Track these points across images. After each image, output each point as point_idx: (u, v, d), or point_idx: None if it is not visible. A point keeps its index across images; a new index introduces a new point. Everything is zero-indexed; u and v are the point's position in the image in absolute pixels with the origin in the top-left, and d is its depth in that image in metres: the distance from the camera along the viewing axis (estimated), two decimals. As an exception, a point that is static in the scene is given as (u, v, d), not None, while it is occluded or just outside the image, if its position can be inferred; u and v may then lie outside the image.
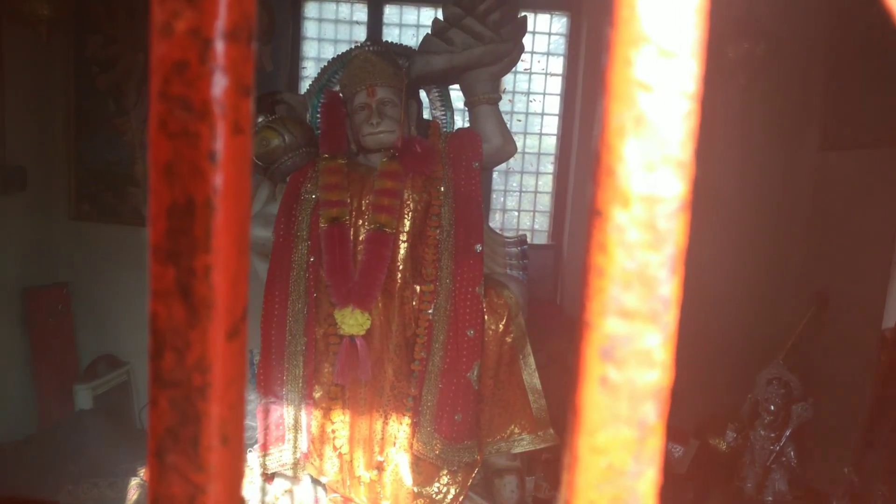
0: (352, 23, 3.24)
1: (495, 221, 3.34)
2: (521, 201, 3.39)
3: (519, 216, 3.40)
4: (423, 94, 2.22)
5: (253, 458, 2.17)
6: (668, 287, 0.17)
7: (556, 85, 3.27)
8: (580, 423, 0.18)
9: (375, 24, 3.17)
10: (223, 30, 0.17)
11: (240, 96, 0.18)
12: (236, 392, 0.20)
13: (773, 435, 2.57)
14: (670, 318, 0.17)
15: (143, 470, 2.41)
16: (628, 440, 0.18)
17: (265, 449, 1.99)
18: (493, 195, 3.34)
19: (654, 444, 0.18)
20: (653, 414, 0.18)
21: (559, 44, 3.27)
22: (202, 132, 0.18)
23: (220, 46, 0.17)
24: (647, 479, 0.18)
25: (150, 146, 0.18)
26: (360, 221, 1.99)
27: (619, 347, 0.17)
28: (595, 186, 0.17)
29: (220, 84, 0.17)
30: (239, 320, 0.19)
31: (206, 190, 0.18)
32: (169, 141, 0.18)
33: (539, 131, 3.32)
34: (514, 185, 3.37)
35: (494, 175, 3.27)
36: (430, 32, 2.03)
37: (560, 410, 2.15)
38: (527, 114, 3.29)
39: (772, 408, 2.57)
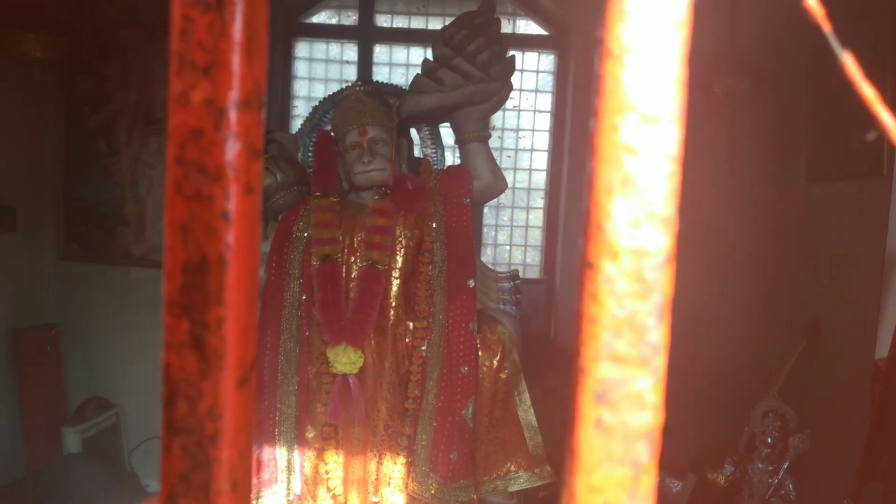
0: (342, 62, 3.30)
1: (487, 256, 3.36)
2: (512, 236, 3.42)
3: (511, 250, 3.42)
4: (413, 132, 2.25)
5: (245, 499, 2.14)
6: (657, 333, 0.18)
7: (544, 121, 3.32)
8: (577, 463, 0.19)
9: (365, 63, 3.23)
10: (237, 100, 0.18)
11: (251, 159, 0.19)
12: (245, 438, 0.20)
13: (770, 468, 2.56)
14: (660, 362, 0.19)
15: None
16: (623, 479, 0.19)
17: (258, 491, 1.96)
18: (485, 230, 3.36)
19: (648, 483, 0.19)
20: (646, 453, 0.19)
21: (547, 81, 3.34)
22: (216, 194, 0.19)
23: (233, 115, 0.18)
24: (642, 518, 0.19)
25: (166, 207, 0.19)
26: (353, 259, 2.00)
27: (613, 391, 0.18)
28: (586, 241, 0.18)
29: (233, 149, 0.19)
30: (248, 369, 0.20)
31: (220, 247, 0.19)
32: (184, 202, 0.19)
33: (529, 167, 3.36)
34: (505, 219, 3.40)
35: (486, 210, 3.30)
36: (420, 72, 2.06)
37: (556, 447, 2.14)
38: (516, 150, 3.34)
39: (769, 440, 2.56)
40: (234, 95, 0.18)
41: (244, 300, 0.20)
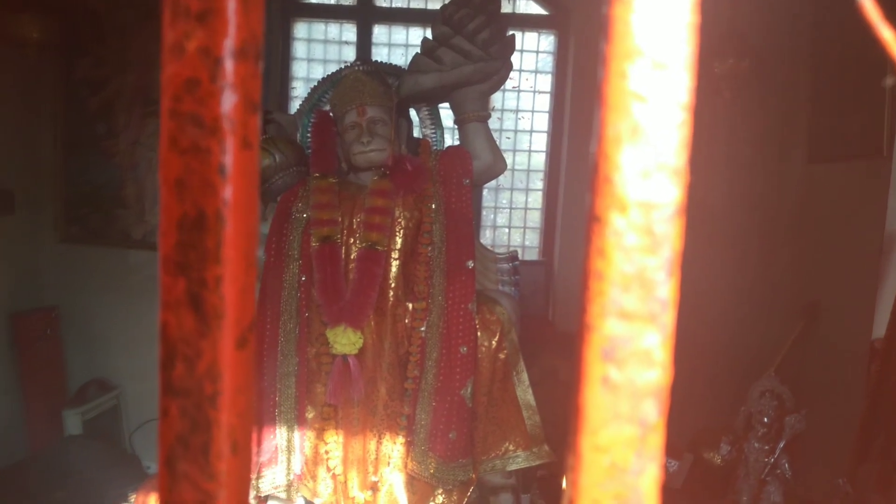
0: (341, 43, 3.27)
1: (486, 238, 3.36)
2: (511, 218, 3.41)
3: (509, 233, 3.41)
4: (413, 112, 2.24)
5: (246, 480, 2.15)
6: (666, 288, 0.18)
7: (544, 102, 3.30)
8: (583, 422, 0.19)
9: (364, 43, 3.20)
10: (232, 48, 0.18)
11: (248, 112, 0.19)
12: (245, 401, 0.20)
13: (767, 447, 2.58)
14: (668, 318, 0.18)
15: (134, 495, 2.38)
16: (630, 438, 0.18)
17: (258, 471, 1.97)
18: (484, 212, 3.35)
19: (656, 442, 0.19)
20: (653, 412, 0.18)
21: (547, 62, 3.31)
22: (212, 147, 0.18)
23: (229, 65, 0.18)
24: (649, 476, 0.19)
25: (161, 162, 0.19)
26: (352, 240, 1.99)
27: (620, 348, 0.18)
28: (593, 194, 0.18)
29: (229, 101, 0.18)
30: (247, 330, 0.20)
31: (217, 203, 0.19)
32: (180, 157, 0.18)
33: (528, 148, 3.35)
34: (504, 201, 3.39)
35: (484, 192, 3.29)
36: (419, 52, 2.05)
37: (554, 427, 2.15)
38: (515, 131, 3.32)
39: (765, 420, 2.58)
40: (229, 44, 0.18)
41: (243, 258, 0.19)
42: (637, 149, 0.17)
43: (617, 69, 0.17)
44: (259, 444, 1.96)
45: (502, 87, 2.20)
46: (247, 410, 0.20)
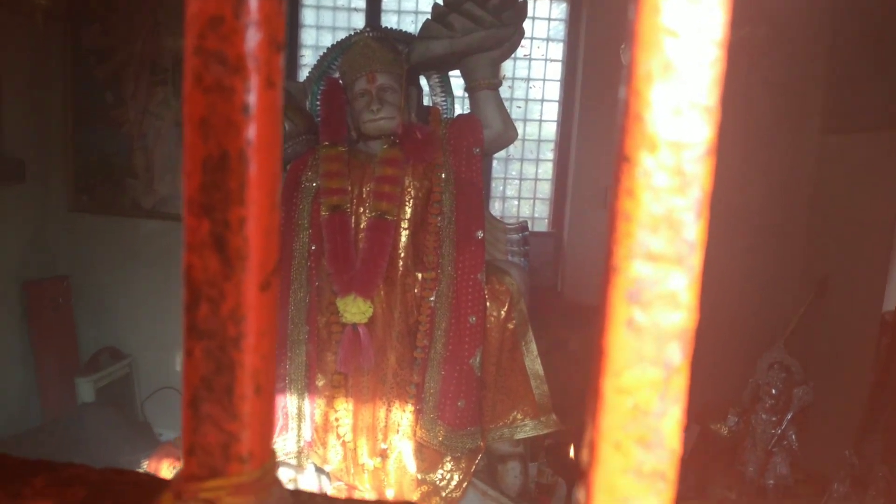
0: (350, 10, 3.23)
1: (495, 210, 3.35)
2: (520, 189, 3.39)
3: (519, 204, 3.40)
4: (423, 80, 2.22)
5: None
6: (694, 230, 0.18)
7: (555, 71, 3.26)
8: (606, 364, 0.19)
9: (374, 10, 3.16)
10: (256, -17, 0.17)
11: (272, 51, 0.18)
12: (269, 343, 0.20)
13: (774, 419, 2.59)
14: (696, 260, 0.18)
15: (147, 462, 2.42)
16: (654, 380, 0.18)
17: (269, 437, 2.00)
18: (493, 183, 3.34)
19: (680, 384, 0.19)
20: (678, 354, 0.18)
21: (559, 29, 3.27)
22: (236, 86, 0.18)
23: (253, 2, 0.18)
24: (671, 418, 0.19)
25: (185, 101, 0.18)
26: (361, 209, 1.99)
27: (646, 290, 0.18)
28: (623, 133, 0.18)
29: (254, 38, 0.18)
30: (271, 273, 0.20)
31: (240, 143, 0.18)
32: (204, 95, 0.18)
33: (539, 118, 3.32)
34: (514, 172, 3.37)
35: (494, 163, 3.27)
36: (429, 18, 2.02)
37: (562, 397, 2.16)
38: (526, 100, 3.29)
39: (773, 392, 2.59)
40: (253, -21, 0.17)
41: (266, 200, 0.19)
42: (669, 86, 0.17)
43: (651, 4, 0.16)
44: (270, 410, 1.99)
45: (513, 55, 2.17)
46: (270, 353, 0.20)
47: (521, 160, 3.35)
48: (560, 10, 3.26)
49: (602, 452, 0.19)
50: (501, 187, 3.40)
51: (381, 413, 1.99)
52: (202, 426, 0.20)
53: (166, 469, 2.19)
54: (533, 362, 2.07)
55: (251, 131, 0.18)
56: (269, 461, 0.21)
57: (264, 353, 0.20)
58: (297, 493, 0.21)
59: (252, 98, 0.18)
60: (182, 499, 0.20)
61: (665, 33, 0.16)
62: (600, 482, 0.19)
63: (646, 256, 0.18)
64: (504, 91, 2.15)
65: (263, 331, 0.20)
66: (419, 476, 1.98)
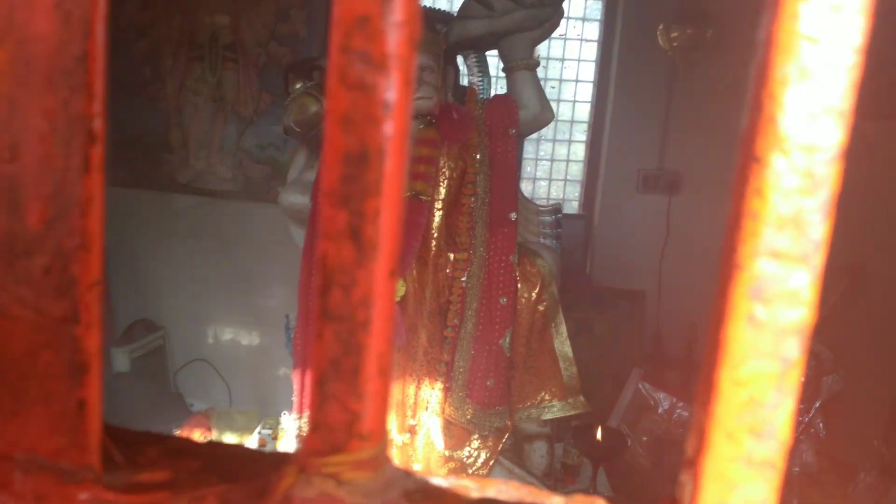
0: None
1: (525, 191, 3.33)
2: (551, 170, 3.38)
3: (550, 185, 3.39)
4: (459, 59, 2.21)
5: (288, 421, 2.23)
6: (820, 230, 0.18)
7: (591, 51, 3.22)
8: (723, 357, 0.19)
9: (408, -11, 3.14)
10: (403, -15, 0.18)
11: (411, 49, 0.19)
12: (391, 328, 0.21)
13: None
14: (819, 259, 0.19)
15: (178, 431, 2.48)
16: (771, 374, 0.19)
17: (301, 412, 2.04)
18: (523, 164, 3.33)
19: (795, 377, 0.19)
20: (796, 349, 0.19)
21: (595, 9, 3.23)
22: (378, 83, 0.19)
23: (399, 2, 0.18)
24: (785, 410, 0.20)
25: (329, 97, 0.19)
26: (396, 189, 2.00)
27: (768, 287, 0.19)
28: (754, 134, 0.18)
29: (396, 38, 0.19)
30: (396, 261, 0.21)
31: (379, 138, 0.19)
32: (347, 92, 0.19)
33: (573, 98, 3.29)
34: (544, 153, 3.36)
35: (525, 144, 3.26)
36: (468, -3, 2.01)
37: (589, 379, 2.17)
38: (560, 80, 3.26)
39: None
40: (401, -19, 0.18)
41: (396, 192, 0.20)
42: (804, 90, 0.17)
43: (789, 10, 0.17)
44: (303, 387, 2.02)
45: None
46: (392, 337, 0.21)
47: (553, 141, 3.33)
48: (596, -10, 3.22)
49: (714, 441, 0.20)
50: (531, 168, 3.39)
51: (411, 390, 2.01)
52: (327, 404, 0.21)
53: (198, 437, 2.25)
54: (562, 344, 2.08)
55: (389, 127, 0.19)
56: (384, 439, 0.22)
57: (387, 336, 0.21)
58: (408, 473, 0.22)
59: (392, 95, 0.19)
60: (306, 472, 0.22)
61: (803, 39, 0.17)
62: (710, 469, 0.20)
63: (770, 254, 0.18)
64: (538, 71, 2.13)
65: (388, 316, 0.21)
66: (447, 453, 2.01)
